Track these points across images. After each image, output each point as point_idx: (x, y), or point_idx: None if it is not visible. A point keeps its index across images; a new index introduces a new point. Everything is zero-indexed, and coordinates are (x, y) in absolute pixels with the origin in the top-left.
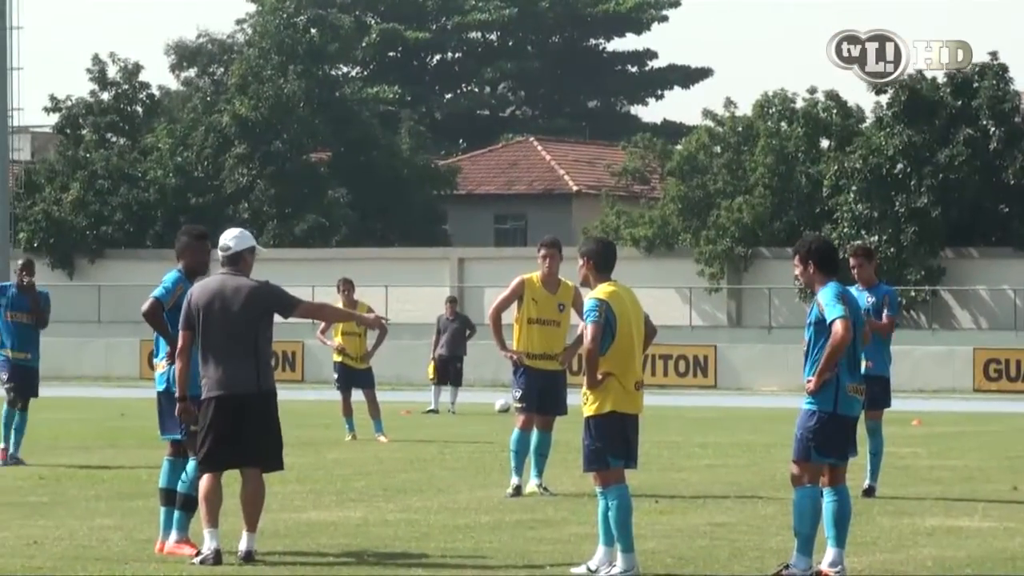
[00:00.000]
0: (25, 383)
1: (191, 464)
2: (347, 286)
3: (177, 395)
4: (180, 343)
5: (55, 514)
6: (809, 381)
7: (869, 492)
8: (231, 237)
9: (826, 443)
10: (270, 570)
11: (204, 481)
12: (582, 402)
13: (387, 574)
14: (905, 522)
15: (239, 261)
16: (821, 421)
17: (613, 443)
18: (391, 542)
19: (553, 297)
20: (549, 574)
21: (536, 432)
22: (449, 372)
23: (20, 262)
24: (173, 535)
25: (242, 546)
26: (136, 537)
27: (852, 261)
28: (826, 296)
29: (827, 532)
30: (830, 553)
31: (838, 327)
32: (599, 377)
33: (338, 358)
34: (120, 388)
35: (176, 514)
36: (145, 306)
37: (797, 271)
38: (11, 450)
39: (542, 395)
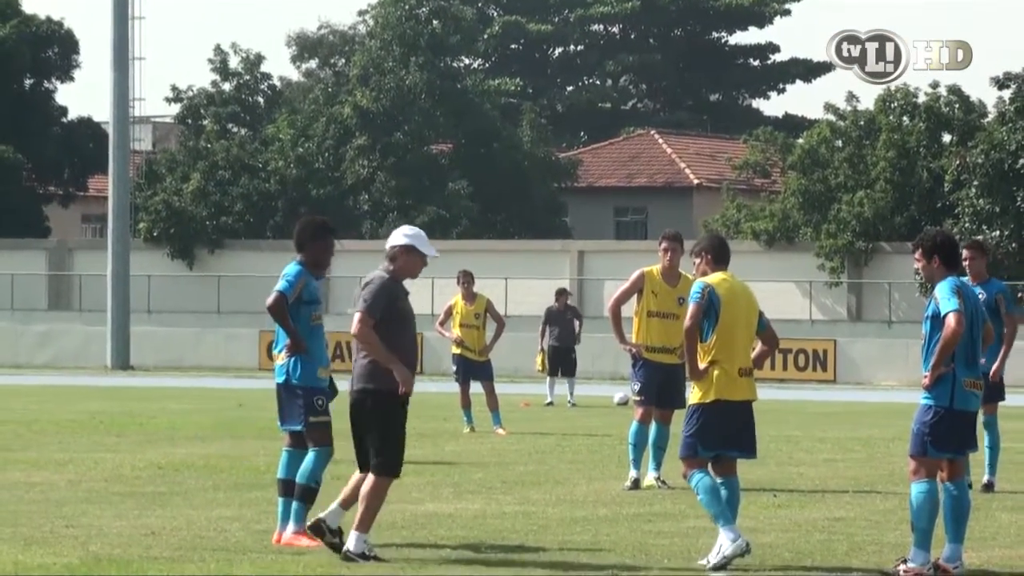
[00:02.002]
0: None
1: (310, 455)
2: (467, 278)
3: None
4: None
5: (173, 504)
6: (925, 376)
7: (988, 487)
8: (393, 233)
9: (943, 438)
10: (386, 564)
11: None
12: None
13: (504, 566)
14: None
15: (392, 258)
16: (938, 416)
17: (708, 435)
18: (508, 534)
19: (673, 290)
20: (667, 567)
21: (655, 425)
22: (562, 364)
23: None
24: (291, 526)
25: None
26: (254, 528)
27: (965, 253)
28: (942, 290)
29: (945, 527)
30: (948, 548)
31: (951, 321)
32: (702, 367)
33: (457, 350)
34: (238, 379)
35: (294, 505)
36: (270, 300)
37: (919, 265)
38: None
39: (661, 388)
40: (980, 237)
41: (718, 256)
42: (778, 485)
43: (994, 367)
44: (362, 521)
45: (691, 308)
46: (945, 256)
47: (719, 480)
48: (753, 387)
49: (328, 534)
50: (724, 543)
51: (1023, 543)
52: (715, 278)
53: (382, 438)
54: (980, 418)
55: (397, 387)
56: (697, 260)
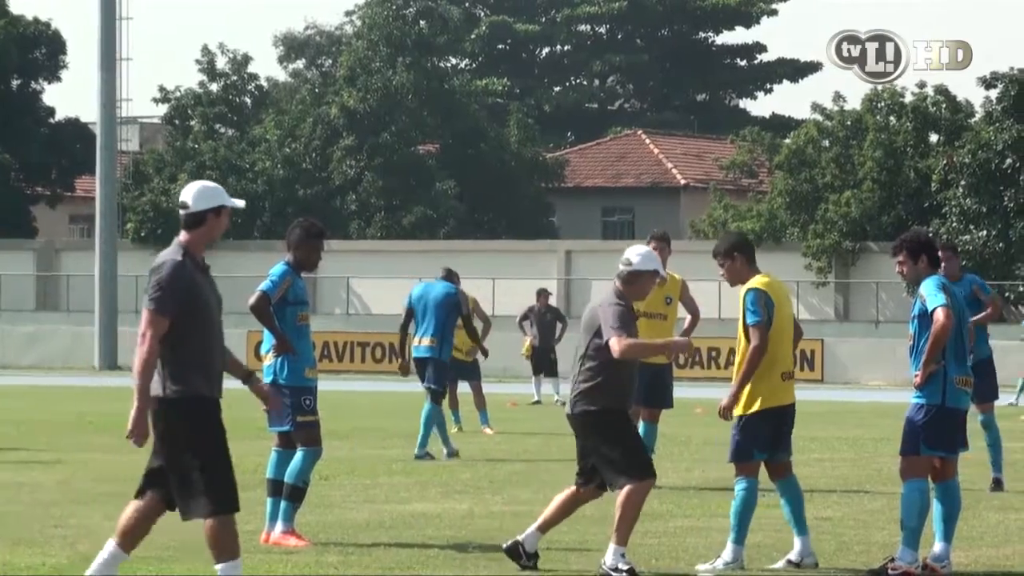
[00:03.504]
0: None
1: (298, 455)
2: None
3: None
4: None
5: None
6: (916, 375)
7: (997, 484)
8: (629, 254)
9: (935, 436)
10: (375, 564)
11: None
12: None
13: (492, 565)
14: (1012, 517)
15: (627, 281)
16: (930, 414)
17: (760, 439)
18: (496, 534)
19: (660, 291)
20: (654, 567)
21: (642, 425)
22: (542, 364)
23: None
24: (279, 526)
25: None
26: (242, 528)
27: (940, 255)
28: (928, 287)
29: (935, 526)
30: (937, 547)
31: (940, 315)
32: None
33: None
34: (226, 379)
35: (283, 504)
36: (252, 299)
37: (904, 267)
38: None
39: (648, 388)
40: (967, 236)
41: (752, 255)
42: (766, 485)
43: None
44: (619, 533)
45: (759, 330)
46: (931, 255)
47: (779, 482)
48: (793, 390)
49: (524, 557)
50: (726, 556)
51: (1010, 542)
52: (761, 281)
53: (618, 450)
54: (978, 418)
55: (618, 405)
56: (727, 262)
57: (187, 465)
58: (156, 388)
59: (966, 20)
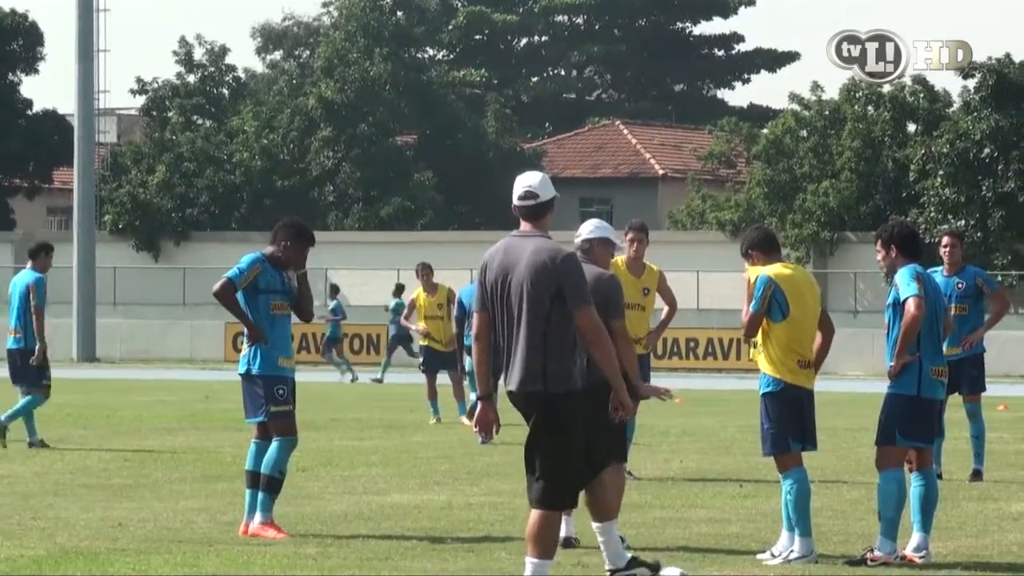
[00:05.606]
0: None
1: (274, 445)
2: (425, 270)
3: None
4: None
5: (140, 496)
6: (892, 365)
7: (976, 476)
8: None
9: (910, 427)
10: (352, 555)
11: None
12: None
13: (471, 556)
14: (991, 507)
15: (586, 251)
16: (905, 404)
17: (791, 424)
18: (475, 525)
19: (638, 281)
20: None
21: None
22: None
23: None
24: (257, 517)
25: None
26: (220, 519)
27: (946, 241)
28: (902, 276)
29: (913, 517)
30: (915, 538)
31: (910, 305)
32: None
33: (423, 341)
34: (204, 370)
35: (261, 495)
36: (216, 286)
37: (879, 256)
38: None
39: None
40: (945, 227)
41: (766, 248)
42: (744, 475)
43: (975, 334)
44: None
45: (749, 318)
46: (902, 245)
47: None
48: (811, 378)
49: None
50: (798, 550)
51: (989, 533)
52: (774, 270)
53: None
54: (964, 408)
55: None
56: (746, 260)
57: (542, 453)
58: (564, 384)
59: (966, 20)
